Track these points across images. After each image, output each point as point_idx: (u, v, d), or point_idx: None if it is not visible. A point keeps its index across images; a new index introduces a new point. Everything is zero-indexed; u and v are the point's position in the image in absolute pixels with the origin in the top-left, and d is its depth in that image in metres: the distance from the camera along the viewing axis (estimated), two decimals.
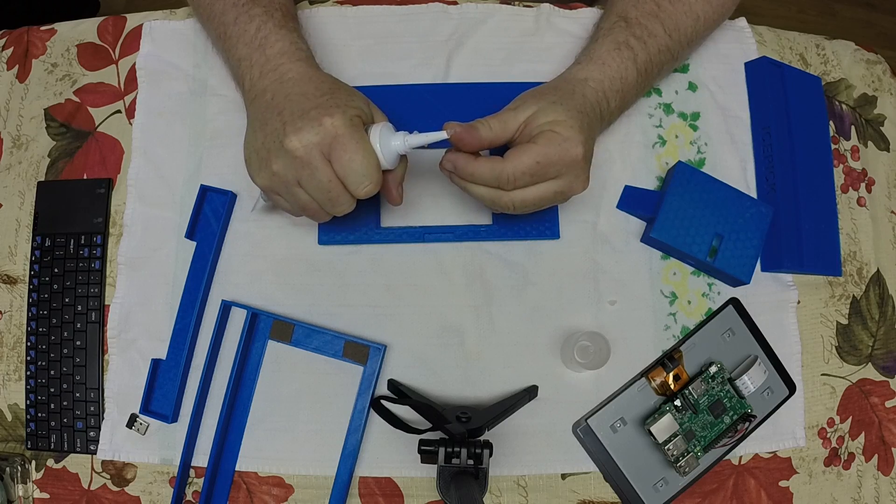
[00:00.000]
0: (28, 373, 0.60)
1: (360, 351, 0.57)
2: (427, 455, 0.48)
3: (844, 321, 0.61)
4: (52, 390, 0.59)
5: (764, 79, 0.62)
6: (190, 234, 0.59)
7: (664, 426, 0.54)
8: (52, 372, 0.59)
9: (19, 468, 0.58)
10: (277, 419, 0.58)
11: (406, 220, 0.60)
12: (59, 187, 0.63)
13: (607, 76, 0.52)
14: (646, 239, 0.59)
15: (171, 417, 0.57)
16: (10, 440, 0.60)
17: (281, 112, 0.45)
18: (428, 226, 0.59)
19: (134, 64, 0.65)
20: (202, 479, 0.57)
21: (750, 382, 0.55)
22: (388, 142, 0.46)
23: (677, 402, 0.55)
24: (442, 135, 0.46)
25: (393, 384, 0.57)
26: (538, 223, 0.59)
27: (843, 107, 0.66)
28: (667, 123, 0.62)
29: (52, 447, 0.58)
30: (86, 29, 0.67)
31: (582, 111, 0.49)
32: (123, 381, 0.59)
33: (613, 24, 0.54)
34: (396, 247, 0.59)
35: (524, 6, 0.65)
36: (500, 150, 0.49)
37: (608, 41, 0.53)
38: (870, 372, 0.61)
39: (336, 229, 0.59)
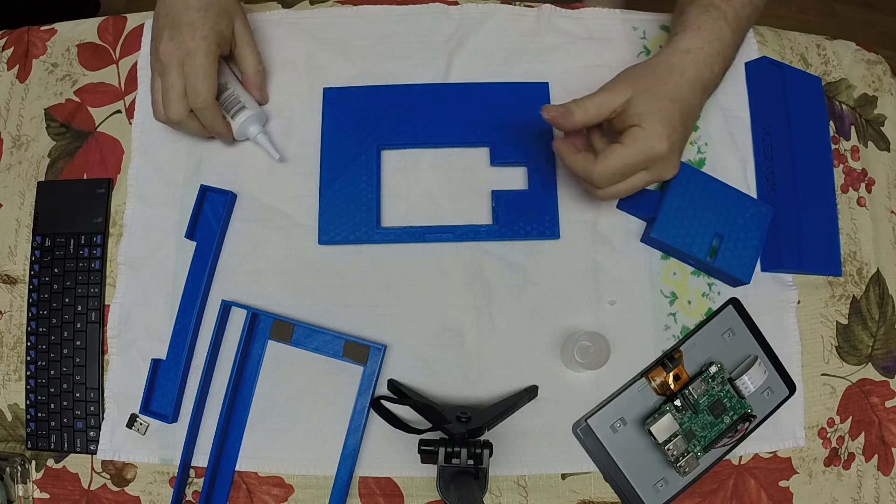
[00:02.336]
0: (28, 373, 0.60)
1: (360, 351, 0.57)
2: (427, 455, 0.48)
3: (844, 321, 0.61)
4: (52, 390, 0.59)
5: (764, 79, 0.62)
6: (190, 234, 0.59)
7: (664, 426, 0.54)
8: (52, 372, 0.59)
9: (19, 468, 0.58)
10: (277, 419, 0.58)
11: (406, 220, 0.60)
12: (59, 187, 0.63)
13: (706, 41, 0.52)
14: (646, 239, 0.59)
15: (171, 417, 0.57)
16: (10, 440, 0.60)
17: (167, 14, 0.55)
18: (428, 226, 0.59)
19: (134, 64, 0.65)
20: (202, 479, 0.57)
21: (750, 382, 0.55)
22: (247, 126, 0.59)
23: (677, 402, 0.55)
24: (274, 154, 0.59)
25: (393, 384, 0.57)
26: (539, 223, 0.59)
27: (844, 107, 0.66)
28: None
29: (52, 447, 0.58)
30: (86, 29, 0.67)
31: (674, 98, 0.50)
32: (123, 381, 0.59)
33: None
34: (397, 247, 0.59)
35: (525, 6, 0.65)
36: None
37: (694, 7, 0.53)
38: (870, 372, 0.61)
39: (336, 229, 0.59)
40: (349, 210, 0.59)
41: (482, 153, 0.61)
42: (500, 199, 0.59)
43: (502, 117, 0.61)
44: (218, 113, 0.57)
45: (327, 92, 0.62)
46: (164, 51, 0.54)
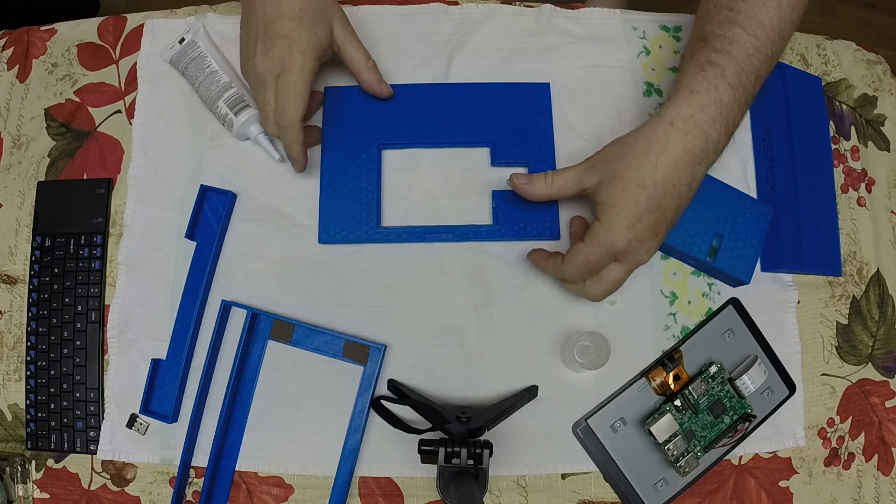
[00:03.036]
0: (28, 373, 0.60)
1: (360, 351, 0.57)
2: (427, 455, 0.48)
3: (844, 321, 0.61)
4: (52, 390, 0.59)
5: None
6: (190, 234, 0.59)
7: (664, 426, 0.54)
8: (52, 372, 0.59)
9: (19, 468, 0.58)
10: (277, 419, 0.58)
11: (406, 219, 0.60)
12: (59, 187, 0.63)
13: (698, 107, 0.47)
14: None
15: (171, 417, 0.57)
16: (10, 440, 0.60)
17: (258, 22, 0.52)
18: (428, 226, 0.59)
19: (134, 64, 0.65)
20: (202, 479, 0.57)
21: (750, 382, 0.55)
22: (248, 126, 0.59)
23: (677, 402, 0.55)
24: (274, 154, 0.60)
25: (393, 384, 0.57)
26: (539, 224, 0.59)
27: (844, 107, 0.66)
28: None
29: (52, 447, 0.58)
30: (86, 29, 0.67)
31: (643, 184, 0.47)
32: (123, 381, 0.59)
33: (693, 47, 0.51)
34: (397, 247, 0.59)
35: (525, 6, 0.65)
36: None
37: (691, 66, 0.49)
38: (870, 372, 0.61)
39: (336, 228, 0.59)
40: (350, 209, 0.59)
41: (483, 153, 0.61)
42: (501, 200, 0.59)
43: (503, 117, 0.60)
44: (299, 136, 0.54)
45: (328, 91, 0.61)
46: (259, 66, 0.52)
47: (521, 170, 0.60)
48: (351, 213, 0.59)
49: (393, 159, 0.61)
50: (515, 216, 0.59)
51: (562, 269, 0.51)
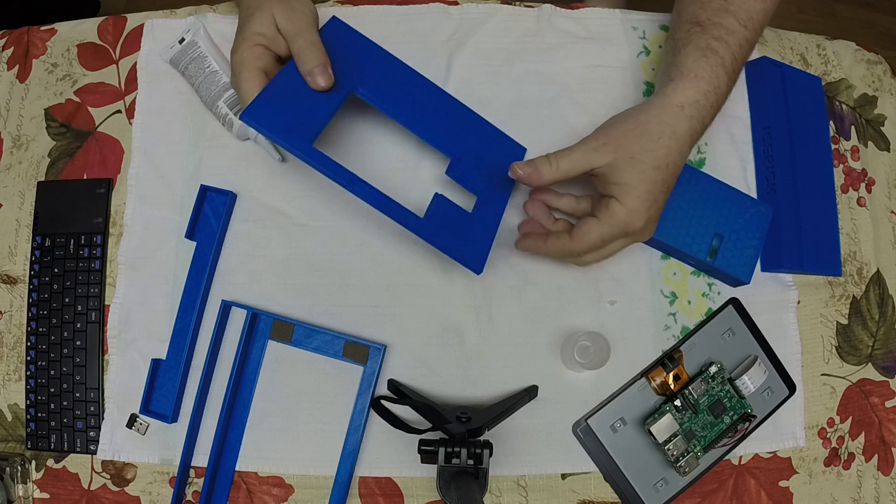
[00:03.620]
0: (28, 373, 0.60)
1: (360, 351, 0.57)
2: (427, 455, 0.48)
3: (844, 321, 0.61)
4: (52, 390, 0.59)
5: (764, 79, 0.62)
6: (190, 234, 0.59)
7: (664, 426, 0.54)
8: (52, 372, 0.59)
9: (19, 468, 0.58)
10: (277, 419, 0.58)
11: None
12: (59, 187, 0.63)
13: (702, 92, 0.49)
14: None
15: (171, 417, 0.57)
16: (10, 440, 0.60)
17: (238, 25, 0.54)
18: (358, 177, 0.51)
19: (134, 64, 0.65)
20: (202, 479, 0.57)
21: (750, 382, 0.55)
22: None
23: (677, 402, 0.55)
24: (274, 154, 0.59)
25: (393, 384, 0.57)
26: (465, 247, 0.53)
27: (844, 107, 0.66)
28: None
29: (52, 447, 0.58)
30: (86, 29, 0.67)
31: (660, 165, 0.48)
32: (123, 381, 0.59)
33: (688, 31, 0.51)
34: (398, 246, 0.59)
35: (525, 6, 0.65)
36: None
37: (691, 49, 0.50)
38: (870, 372, 0.61)
39: (269, 112, 0.50)
40: (295, 106, 0.51)
41: (440, 159, 0.60)
42: (440, 205, 0.53)
43: (474, 146, 0.58)
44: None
45: (335, 21, 0.57)
46: (231, 61, 0.53)
47: (471, 196, 0.56)
48: (292, 113, 0.50)
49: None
50: (448, 226, 0.53)
51: (570, 246, 0.50)
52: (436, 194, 0.54)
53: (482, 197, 0.56)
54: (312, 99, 0.52)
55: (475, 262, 0.52)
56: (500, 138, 0.60)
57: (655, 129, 0.48)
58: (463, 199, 0.57)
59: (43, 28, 0.68)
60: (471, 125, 0.59)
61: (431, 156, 0.61)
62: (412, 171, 0.61)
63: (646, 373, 0.57)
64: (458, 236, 0.53)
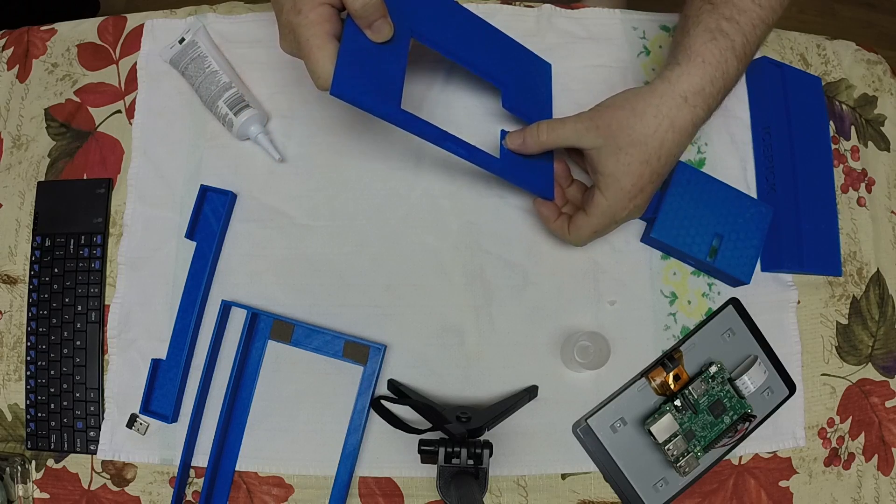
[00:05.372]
0: (28, 373, 0.60)
1: (360, 351, 0.57)
2: (427, 455, 0.48)
3: (844, 321, 0.61)
4: (52, 390, 0.59)
5: (764, 79, 0.62)
6: (190, 234, 0.59)
7: (664, 426, 0.54)
8: (52, 372, 0.59)
9: (19, 468, 0.58)
10: (277, 419, 0.58)
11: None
12: (59, 187, 0.63)
13: (709, 78, 0.47)
14: (646, 239, 0.59)
15: (171, 417, 0.57)
16: (10, 440, 0.60)
17: (277, 13, 0.47)
18: (448, 132, 0.50)
19: (134, 64, 0.65)
20: (202, 479, 0.57)
21: (750, 382, 0.55)
22: (248, 126, 0.59)
23: (677, 402, 0.55)
24: (274, 154, 0.60)
25: (393, 384, 0.57)
26: (536, 177, 0.55)
27: (844, 107, 0.66)
28: None
29: (52, 447, 0.58)
30: (86, 29, 0.67)
31: (648, 160, 0.48)
32: (123, 381, 0.59)
33: (699, 9, 0.49)
34: (397, 246, 0.59)
35: (525, 6, 0.65)
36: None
37: (700, 31, 0.48)
38: (870, 372, 0.61)
39: (356, 82, 0.46)
40: (372, 72, 0.48)
41: (493, 94, 0.61)
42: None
43: (516, 70, 0.58)
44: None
45: None
46: (283, 49, 0.49)
47: (516, 127, 0.57)
48: (373, 78, 0.48)
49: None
50: (518, 160, 0.55)
51: (569, 239, 0.54)
52: (502, 131, 0.55)
53: (532, 122, 0.56)
54: (382, 54, 0.49)
55: (547, 189, 0.55)
56: (527, 57, 0.61)
57: (652, 121, 0.47)
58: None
59: (43, 28, 0.68)
60: (505, 49, 0.59)
61: (480, 91, 0.61)
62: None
63: (646, 373, 0.57)
64: (527, 168, 0.55)
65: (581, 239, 0.53)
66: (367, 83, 0.47)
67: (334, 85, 0.45)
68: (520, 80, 0.58)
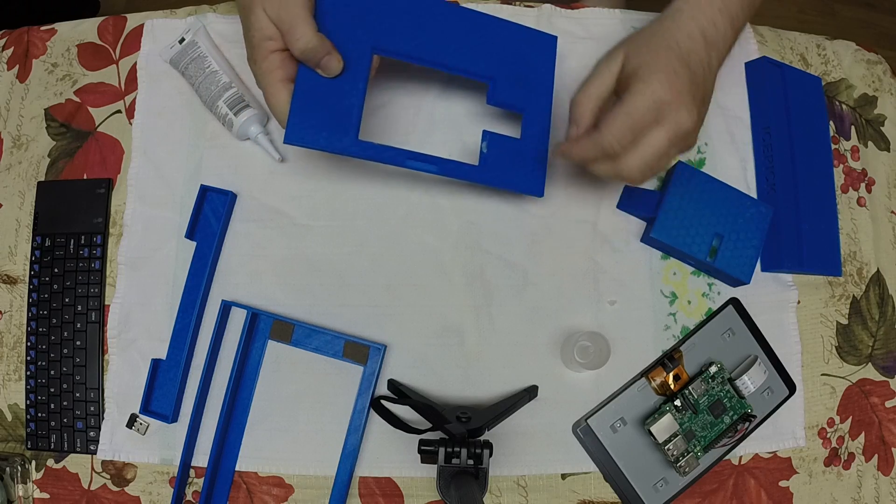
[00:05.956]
0: (28, 373, 0.60)
1: (360, 351, 0.57)
2: (427, 455, 0.48)
3: (844, 321, 0.61)
4: (52, 390, 0.59)
5: (764, 79, 0.62)
6: (190, 234, 0.59)
7: (664, 426, 0.54)
8: (52, 372, 0.59)
9: (19, 468, 0.58)
10: (277, 419, 0.58)
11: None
12: (59, 187, 0.63)
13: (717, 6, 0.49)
14: (646, 239, 0.59)
15: (171, 417, 0.57)
16: (10, 440, 0.60)
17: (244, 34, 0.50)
18: (411, 150, 0.51)
19: (134, 64, 0.65)
20: (202, 479, 0.57)
21: (750, 382, 0.55)
22: (248, 126, 0.59)
23: (677, 402, 0.55)
24: (274, 154, 0.60)
25: (393, 384, 0.57)
26: (524, 175, 0.54)
27: (844, 107, 0.66)
28: None
29: (52, 447, 0.58)
30: (86, 29, 0.67)
31: (669, 45, 0.48)
32: (123, 381, 0.59)
33: None
34: (397, 246, 0.59)
35: (525, 6, 0.65)
36: None
37: None
38: (870, 372, 0.61)
39: (308, 128, 0.49)
40: (327, 110, 0.49)
41: (477, 88, 0.59)
42: (491, 142, 0.53)
43: (506, 57, 0.55)
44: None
45: None
46: (254, 73, 0.50)
47: (516, 117, 0.56)
48: (328, 115, 0.49)
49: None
50: (503, 161, 0.53)
51: (599, 138, 0.47)
52: (483, 132, 0.53)
53: (528, 112, 0.55)
54: (338, 85, 0.50)
55: (536, 186, 0.54)
56: (524, 37, 0.56)
57: (656, 27, 0.50)
58: (508, 124, 0.57)
59: (43, 28, 0.68)
60: (494, 35, 0.55)
61: (461, 90, 0.60)
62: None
63: (646, 373, 0.57)
64: (514, 167, 0.53)
65: (613, 130, 0.46)
66: (320, 123, 0.49)
67: (287, 134, 0.48)
68: (512, 66, 0.55)
